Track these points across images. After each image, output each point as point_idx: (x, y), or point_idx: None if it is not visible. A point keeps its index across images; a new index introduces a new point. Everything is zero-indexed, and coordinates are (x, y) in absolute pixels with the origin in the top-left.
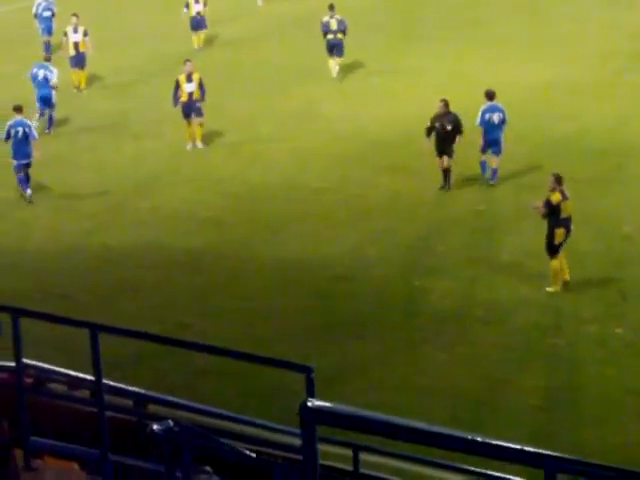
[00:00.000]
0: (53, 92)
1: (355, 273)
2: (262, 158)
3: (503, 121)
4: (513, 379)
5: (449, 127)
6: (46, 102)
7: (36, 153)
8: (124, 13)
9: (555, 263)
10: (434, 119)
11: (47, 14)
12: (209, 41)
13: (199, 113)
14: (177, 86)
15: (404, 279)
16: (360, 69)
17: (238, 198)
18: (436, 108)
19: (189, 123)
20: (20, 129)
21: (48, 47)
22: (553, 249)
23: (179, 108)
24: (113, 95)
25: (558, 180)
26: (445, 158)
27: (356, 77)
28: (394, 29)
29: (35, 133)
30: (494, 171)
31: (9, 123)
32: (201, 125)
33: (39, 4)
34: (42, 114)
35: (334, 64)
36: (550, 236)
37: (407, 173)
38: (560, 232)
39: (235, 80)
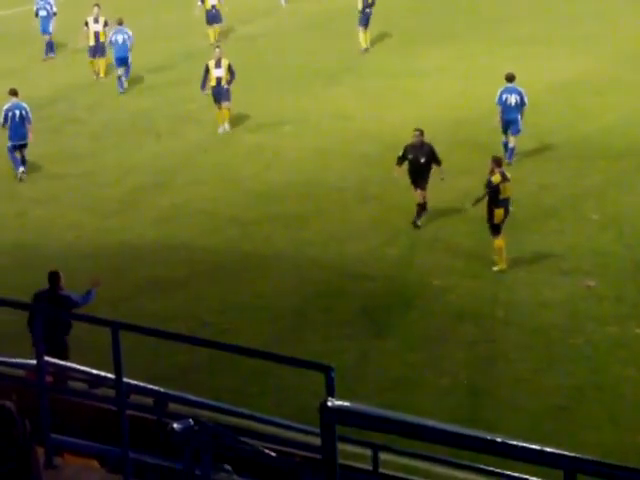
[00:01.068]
0: (130, 53)
1: (375, 272)
2: (283, 157)
3: (521, 104)
4: (533, 379)
5: (423, 160)
6: (123, 62)
7: (31, 135)
8: (147, 10)
9: (498, 242)
10: (407, 150)
11: (43, 14)
12: (231, 39)
13: (227, 97)
14: (206, 71)
15: (423, 278)
16: (382, 69)
17: (259, 196)
18: (411, 138)
19: (219, 107)
20: (17, 112)
21: (50, 45)
22: (494, 229)
23: (206, 96)
24: (137, 93)
25: (497, 162)
26: (419, 192)
27: (378, 77)
28: (416, 29)
29: (30, 116)
30: (511, 150)
31: (5, 107)
32: (228, 109)
33: (37, 3)
34: (125, 74)
35: (363, 36)
36: (490, 216)
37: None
38: (499, 212)
39: (257, 79)
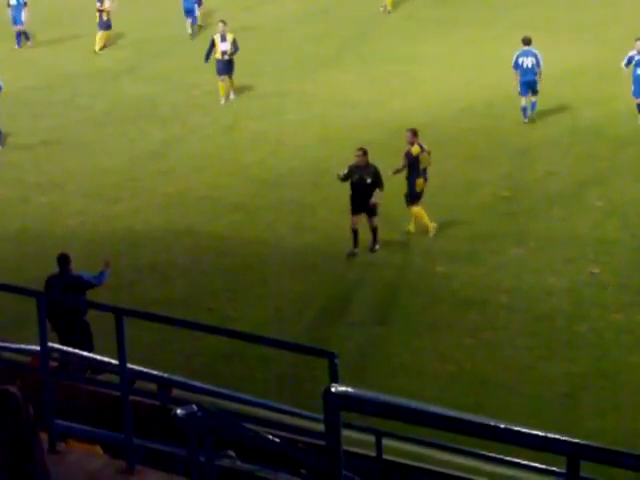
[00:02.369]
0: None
1: (379, 259)
2: (288, 144)
3: (536, 65)
4: (538, 366)
5: (369, 180)
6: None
7: None
8: None
9: (417, 210)
10: (352, 170)
11: (13, 2)
12: (234, 29)
13: (232, 71)
14: (212, 45)
15: (428, 265)
16: (387, 56)
17: (264, 184)
18: (354, 158)
19: (222, 80)
20: None
21: (19, 36)
22: (416, 197)
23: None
24: (141, 80)
25: (415, 134)
26: (367, 217)
27: (382, 64)
28: (421, 15)
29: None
30: (533, 104)
31: None
32: (232, 80)
33: None
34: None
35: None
36: (412, 186)
37: (432, 159)
38: (420, 182)
39: (260, 66)
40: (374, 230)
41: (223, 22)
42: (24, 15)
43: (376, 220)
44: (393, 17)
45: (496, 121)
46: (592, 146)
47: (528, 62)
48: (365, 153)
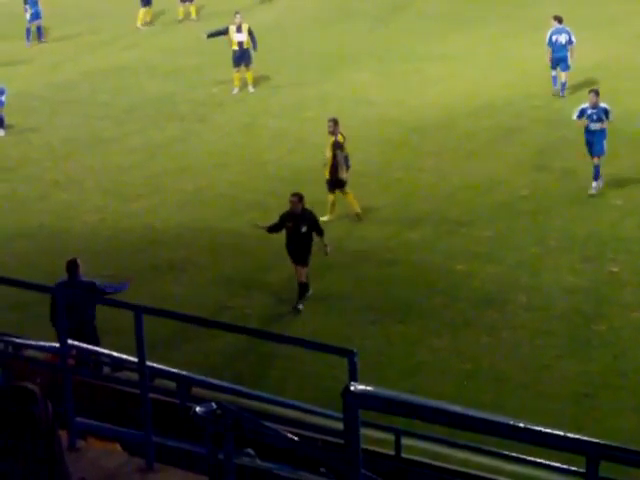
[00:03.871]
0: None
1: (397, 257)
2: (306, 142)
3: (569, 42)
4: (556, 365)
5: (304, 229)
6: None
7: None
8: None
9: (332, 197)
10: (285, 217)
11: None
12: (252, 24)
13: (249, 61)
14: (225, 32)
15: (446, 264)
16: (404, 54)
17: (282, 181)
18: (288, 204)
19: (238, 71)
20: None
21: (36, 32)
22: (339, 183)
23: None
24: (161, 77)
25: (337, 123)
26: (299, 268)
27: (400, 62)
28: (439, 13)
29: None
30: (563, 84)
31: None
32: (250, 71)
33: None
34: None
35: None
36: (337, 173)
37: (450, 157)
38: (343, 169)
39: (279, 64)
40: (302, 285)
41: (238, 12)
42: (40, 12)
43: (305, 273)
44: (410, 15)
45: (515, 119)
46: (610, 144)
47: (562, 39)
48: (300, 199)
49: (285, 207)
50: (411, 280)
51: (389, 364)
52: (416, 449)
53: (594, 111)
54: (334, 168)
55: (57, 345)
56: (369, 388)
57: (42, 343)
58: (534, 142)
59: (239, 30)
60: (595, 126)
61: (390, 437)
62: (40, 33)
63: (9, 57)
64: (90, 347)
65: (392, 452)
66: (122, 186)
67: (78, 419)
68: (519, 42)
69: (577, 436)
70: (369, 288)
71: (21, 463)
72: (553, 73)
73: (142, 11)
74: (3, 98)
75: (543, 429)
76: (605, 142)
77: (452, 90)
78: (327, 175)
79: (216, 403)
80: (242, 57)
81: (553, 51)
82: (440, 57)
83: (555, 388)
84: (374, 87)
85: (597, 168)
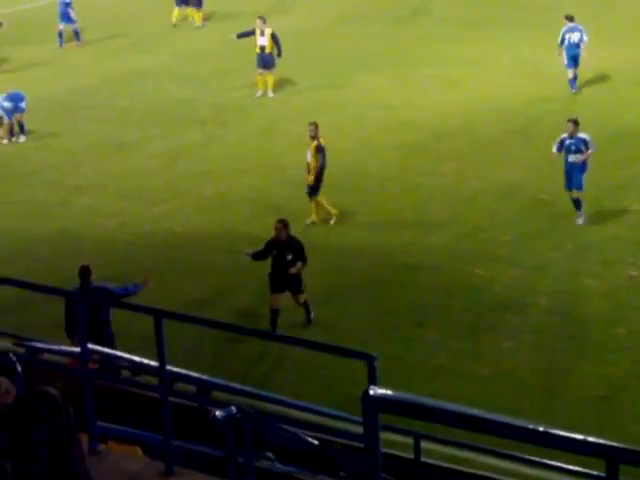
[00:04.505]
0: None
1: (417, 261)
2: (326, 146)
3: (581, 40)
4: (576, 368)
5: (290, 257)
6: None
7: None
8: None
9: (321, 199)
10: (270, 245)
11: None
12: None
13: (271, 66)
14: (253, 33)
15: (466, 268)
16: (425, 59)
17: (302, 186)
18: (274, 231)
19: (261, 74)
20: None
21: (62, 34)
22: (317, 189)
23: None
24: (181, 82)
25: (317, 127)
26: (293, 296)
27: (420, 67)
28: (459, 18)
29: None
30: (574, 79)
31: None
32: (272, 76)
33: None
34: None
35: None
36: (320, 177)
37: (469, 161)
38: (324, 172)
39: (299, 69)
40: (305, 306)
41: (261, 18)
42: (72, 13)
43: (303, 297)
44: (429, 19)
45: (534, 123)
46: (629, 149)
47: (574, 37)
48: (285, 226)
49: (304, 211)
50: (431, 284)
51: (408, 368)
52: (435, 453)
53: (572, 141)
54: (319, 173)
55: (77, 350)
56: (388, 392)
57: (63, 347)
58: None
59: (262, 34)
60: (573, 158)
61: (409, 441)
62: (77, 36)
63: (31, 62)
64: (110, 351)
65: (412, 456)
66: (143, 191)
67: (99, 423)
68: (537, 46)
69: (597, 440)
70: (389, 292)
71: (43, 467)
72: (570, 75)
73: (176, 10)
74: (23, 104)
75: (562, 432)
76: (583, 176)
77: (471, 94)
78: (311, 181)
79: (236, 407)
80: (263, 61)
81: (567, 49)
82: (458, 61)
83: (575, 392)
84: (393, 91)
85: (577, 201)
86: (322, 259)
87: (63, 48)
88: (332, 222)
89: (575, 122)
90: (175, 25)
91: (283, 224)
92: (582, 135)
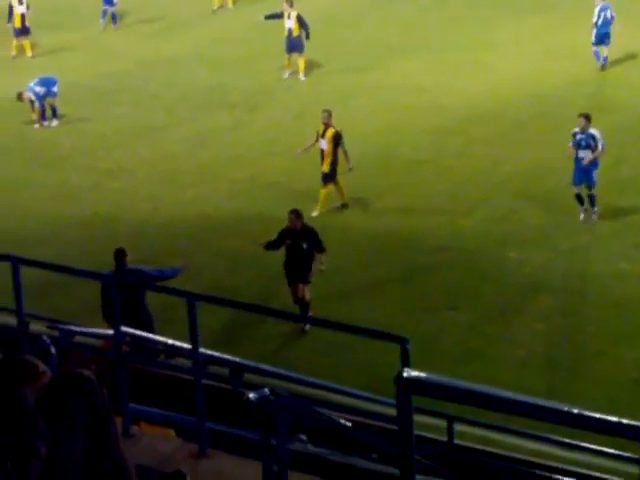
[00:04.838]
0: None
1: (449, 244)
2: (357, 130)
3: (613, 17)
4: (610, 351)
5: (305, 245)
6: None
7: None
8: None
9: (330, 188)
10: (283, 235)
11: None
12: (305, 15)
13: (300, 49)
14: (281, 15)
15: (499, 251)
16: (456, 42)
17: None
18: (287, 221)
19: (289, 58)
20: None
21: (107, 15)
22: (333, 177)
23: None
24: (212, 67)
25: (331, 114)
26: (300, 286)
27: (452, 50)
28: (489, 0)
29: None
30: (604, 59)
31: None
32: (302, 59)
33: None
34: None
35: None
36: (336, 164)
37: (501, 144)
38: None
39: (330, 53)
40: (305, 305)
41: (287, 1)
42: None
43: (308, 294)
44: (460, 2)
45: (565, 107)
46: None
47: (608, 14)
48: (298, 216)
49: (335, 195)
50: (463, 267)
51: (442, 351)
52: (468, 435)
53: (582, 136)
54: (335, 161)
55: (111, 332)
56: (422, 374)
57: (96, 330)
58: None
59: (289, 17)
60: (583, 154)
61: (442, 423)
62: (114, 19)
63: (63, 46)
64: (143, 334)
65: (445, 438)
66: (174, 174)
67: (132, 405)
68: (569, 29)
69: (632, 422)
70: (421, 275)
71: (79, 449)
72: (595, 49)
73: None
74: (55, 89)
75: (597, 415)
76: (596, 172)
77: (503, 77)
78: (326, 168)
79: (269, 389)
80: (291, 44)
81: (600, 26)
82: (490, 44)
83: (608, 375)
84: (425, 74)
85: (591, 197)
86: (354, 242)
87: (103, 30)
88: (338, 205)
89: (587, 117)
90: (214, 11)
91: (296, 214)
92: (592, 131)
